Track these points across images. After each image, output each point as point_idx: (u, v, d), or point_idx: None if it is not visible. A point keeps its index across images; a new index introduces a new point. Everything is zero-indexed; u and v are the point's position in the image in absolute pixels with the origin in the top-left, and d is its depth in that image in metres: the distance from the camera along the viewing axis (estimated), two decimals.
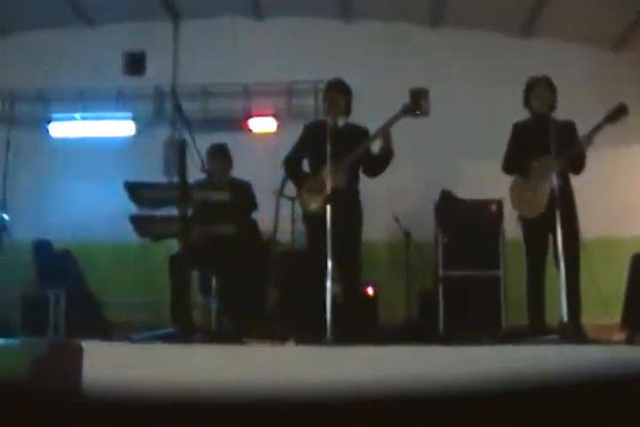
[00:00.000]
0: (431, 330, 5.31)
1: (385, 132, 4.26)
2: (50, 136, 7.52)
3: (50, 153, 7.39)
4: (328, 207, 3.98)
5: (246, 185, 5.03)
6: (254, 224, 5.07)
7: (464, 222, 5.63)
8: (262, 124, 7.26)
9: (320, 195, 4.17)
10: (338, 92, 4.50)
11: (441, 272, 5.56)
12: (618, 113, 4.22)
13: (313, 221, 4.30)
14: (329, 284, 3.87)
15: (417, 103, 4.16)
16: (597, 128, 4.23)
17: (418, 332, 5.41)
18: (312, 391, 3.09)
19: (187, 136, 4.37)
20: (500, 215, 5.57)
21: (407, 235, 5.95)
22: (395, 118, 4.20)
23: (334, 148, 4.08)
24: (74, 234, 6.95)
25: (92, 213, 7.01)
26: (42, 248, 6.82)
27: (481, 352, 3.14)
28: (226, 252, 4.53)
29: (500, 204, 5.54)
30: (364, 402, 2.72)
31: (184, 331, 4.12)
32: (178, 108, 4.42)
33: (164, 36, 7.50)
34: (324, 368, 3.32)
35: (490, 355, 3.08)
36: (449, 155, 6.84)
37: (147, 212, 4.27)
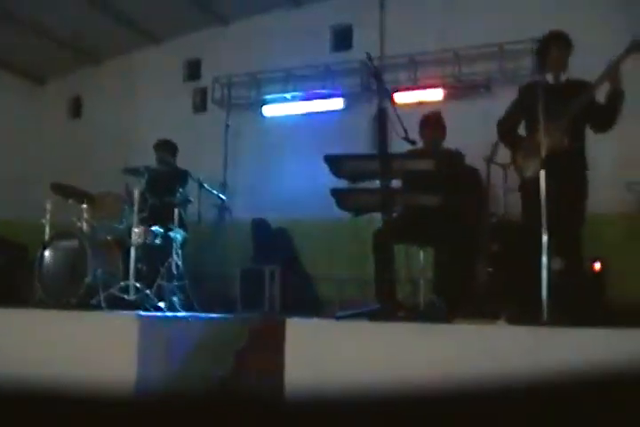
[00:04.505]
0: None
1: (612, 74, 3.72)
2: (264, 118, 7.73)
3: (264, 134, 7.64)
4: (542, 173, 3.57)
5: (458, 155, 4.71)
6: (467, 195, 4.74)
7: None
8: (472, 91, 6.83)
9: (537, 159, 3.75)
10: (561, 45, 4.02)
11: None
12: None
13: (529, 188, 3.90)
14: (544, 259, 3.46)
15: None
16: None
17: None
18: (519, 376, 2.79)
19: (388, 105, 4.15)
20: None
21: None
22: (622, 57, 3.65)
23: (553, 105, 3.66)
24: (289, 212, 7.10)
25: (305, 190, 7.09)
26: (259, 226, 7.05)
27: None
28: (432, 225, 4.25)
29: None
30: (579, 391, 2.40)
31: (388, 308, 3.94)
32: (377, 77, 4.19)
33: (369, 7, 7.35)
34: (537, 351, 3.00)
35: None
36: None
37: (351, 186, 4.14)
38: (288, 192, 7.23)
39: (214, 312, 5.12)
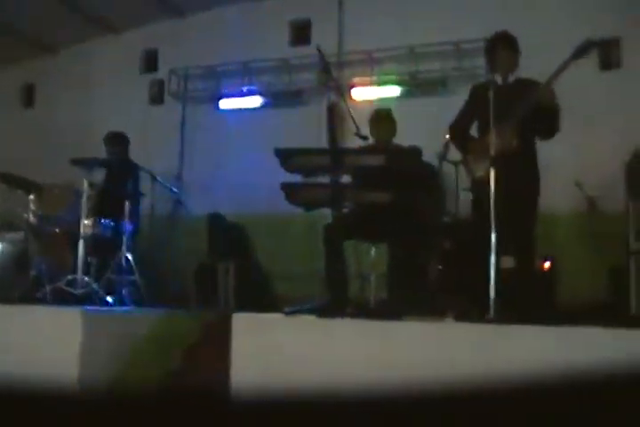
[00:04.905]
0: (620, 311, 4.65)
1: (546, 92, 3.76)
2: (221, 111, 7.65)
3: (221, 128, 7.53)
4: (492, 172, 3.58)
5: (414, 151, 4.69)
6: (421, 191, 4.73)
7: None
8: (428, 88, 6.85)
9: (487, 160, 3.75)
10: (505, 46, 4.03)
11: (632, 245, 4.82)
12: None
13: (480, 189, 3.90)
14: (493, 257, 3.48)
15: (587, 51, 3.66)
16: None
17: (604, 312, 4.76)
18: (465, 374, 2.79)
19: (340, 100, 4.13)
20: None
21: (591, 202, 5.27)
22: (563, 66, 3.68)
23: (503, 107, 3.67)
24: (245, 206, 7.02)
25: (262, 185, 6.99)
26: (215, 221, 6.96)
27: None
28: (384, 221, 4.22)
29: None
30: (525, 389, 2.41)
31: (337, 304, 3.92)
32: (327, 70, 4.17)
33: (328, 2, 7.32)
34: (483, 348, 3.01)
35: None
36: None
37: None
38: (245, 187, 7.14)
39: (166, 307, 5.04)
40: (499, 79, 3.98)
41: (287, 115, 7.27)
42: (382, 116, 4.84)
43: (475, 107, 4.12)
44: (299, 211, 4.46)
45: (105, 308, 4.64)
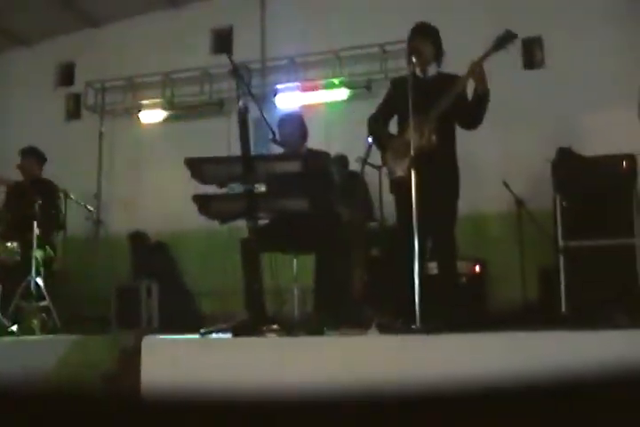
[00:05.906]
0: (552, 311, 4.51)
1: (475, 70, 3.59)
2: (141, 124, 7.32)
3: (141, 142, 7.25)
4: (412, 172, 3.37)
5: (324, 156, 4.47)
6: (341, 197, 4.52)
7: (587, 183, 4.69)
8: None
9: (407, 159, 3.55)
10: (422, 38, 3.86)
11: (561, 243, 4.69)
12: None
13: (400, 190, 3.70)
14: (416, 262, 3.27)
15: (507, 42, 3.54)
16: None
17: (536, 314, 4.61)
18: (391, 389, 2.58)
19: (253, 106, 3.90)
20: (632, 173, 4.63)
21: (519, 203, 5.14)
22: (487, 54, 3.54)
23: (421, 102, 3.47)
24: (169, 224, 6.74)
25: (185, 200, 6.72)
26: (137, 240, 6.65)
27: (613, 337, 2.60)
28: (301, 230, 3.98)
29: (633, 159, 4.61)
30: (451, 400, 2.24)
31: (254, 322, 3.67)
32: (237, 76, 3.93)
33: (250, 8, 7.13)
34: (407, 360, 2.81)
35: (624, 339, 2.55)
36: (566, 108, 5.85)
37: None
38: (167, 202, 6.83)
39: (82, 334, 4.71)
40: (419, 72, 3.81)
41: (209, 125, 7.00)
42: (289, 121, 4.56)
43: (394, 100, 3.93)
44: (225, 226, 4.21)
45: (7, 338, 4.28)
